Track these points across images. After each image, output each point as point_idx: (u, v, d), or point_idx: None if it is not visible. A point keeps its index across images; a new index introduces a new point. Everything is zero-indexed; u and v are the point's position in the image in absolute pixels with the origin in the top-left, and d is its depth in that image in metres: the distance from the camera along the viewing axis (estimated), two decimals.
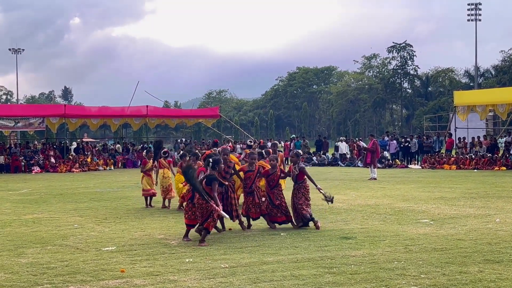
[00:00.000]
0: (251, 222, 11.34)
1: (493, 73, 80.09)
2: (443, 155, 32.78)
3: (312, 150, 41.23)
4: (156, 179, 15.67)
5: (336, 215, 12.78)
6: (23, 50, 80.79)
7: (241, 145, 38.61)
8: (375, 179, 22.86)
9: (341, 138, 40.83)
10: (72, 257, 8.58)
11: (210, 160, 9.94)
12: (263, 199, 11.12)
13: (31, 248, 9.36)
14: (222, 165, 10.40)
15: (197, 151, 14.76)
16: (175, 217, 12.99)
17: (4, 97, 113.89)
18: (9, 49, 79.56)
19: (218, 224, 10.48)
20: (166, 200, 15.15)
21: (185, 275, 7.37)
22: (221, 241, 9.76)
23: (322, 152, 38.17)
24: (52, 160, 35.14)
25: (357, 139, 45.75)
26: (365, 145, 25.33)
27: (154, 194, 15.43)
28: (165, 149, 16.96)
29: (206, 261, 8.19)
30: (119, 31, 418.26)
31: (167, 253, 8.78)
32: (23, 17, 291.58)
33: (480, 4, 62.58)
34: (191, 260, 8.26)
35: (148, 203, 15.30)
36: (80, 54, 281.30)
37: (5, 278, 7.34)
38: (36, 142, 45.64)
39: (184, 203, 10.95)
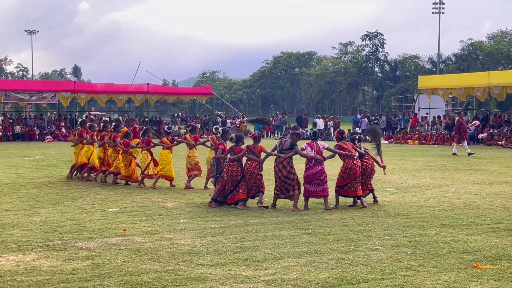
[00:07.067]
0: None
1: (453, 60, 80.00)
2: (408, 132, 32.94)
3: (293, 125, 41.17)
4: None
5: None
6: (38, 31, 79.40)
7: (231, 120, 38.78)
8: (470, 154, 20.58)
9: (318, 115, 40.74)
10: (80, 217, 8.56)
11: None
12: None
13: (43, 208, 9.33)
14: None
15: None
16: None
17: (20, 73, 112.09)
18: (25, 30, 78.16)
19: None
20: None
21: (179, 234, 7.39)
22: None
23: (302, 127, 38.13)
24: (63, 130, 34.85)
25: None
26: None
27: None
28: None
29: (198, 222, 8.21)
30: (123, 17, 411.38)
31: (164, 215, 8.79)
32: (35, 1, 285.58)
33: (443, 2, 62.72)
34: (185, 221, 8.28)
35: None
36: (88, 36, 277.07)
37: (20, 235, 7.31)
38: (49, 114, 45.15)
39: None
